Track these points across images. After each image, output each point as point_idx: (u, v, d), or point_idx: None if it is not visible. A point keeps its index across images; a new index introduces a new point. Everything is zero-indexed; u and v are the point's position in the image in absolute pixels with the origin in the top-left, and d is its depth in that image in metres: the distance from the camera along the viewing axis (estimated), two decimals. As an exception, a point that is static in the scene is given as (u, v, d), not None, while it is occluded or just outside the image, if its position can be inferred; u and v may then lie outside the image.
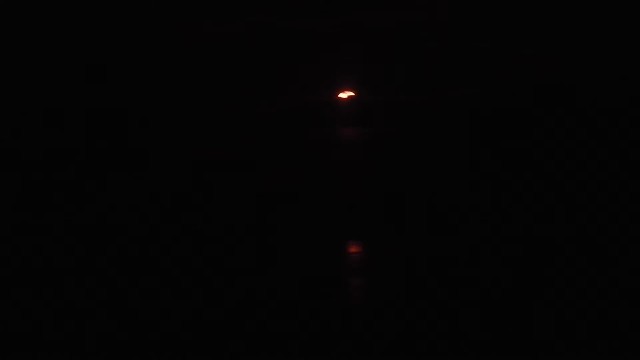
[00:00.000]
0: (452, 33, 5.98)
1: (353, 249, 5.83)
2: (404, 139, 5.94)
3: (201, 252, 5.72)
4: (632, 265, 5.53)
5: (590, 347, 5.22)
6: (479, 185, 5.82)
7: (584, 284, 5.48)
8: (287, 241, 5.79)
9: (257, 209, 5.86)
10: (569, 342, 5.25)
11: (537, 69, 5.92)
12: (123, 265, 5.66)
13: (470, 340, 5.28)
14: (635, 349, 5.16)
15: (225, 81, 5.99)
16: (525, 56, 5.93)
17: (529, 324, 5.36)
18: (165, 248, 5.72)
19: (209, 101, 5.98)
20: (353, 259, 5.82)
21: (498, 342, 5.28)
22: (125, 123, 5.94)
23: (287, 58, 6.01)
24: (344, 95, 6.00)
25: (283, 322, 5.43)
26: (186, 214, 5.83)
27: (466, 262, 5.65)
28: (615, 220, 5.65)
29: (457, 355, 5.22)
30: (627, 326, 5.28)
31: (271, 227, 5.83)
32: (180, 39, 5.99)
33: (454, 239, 5.74)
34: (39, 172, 5.81)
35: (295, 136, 5.96)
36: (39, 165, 5.82)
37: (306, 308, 5.48)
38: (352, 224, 5.86)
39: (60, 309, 5.46)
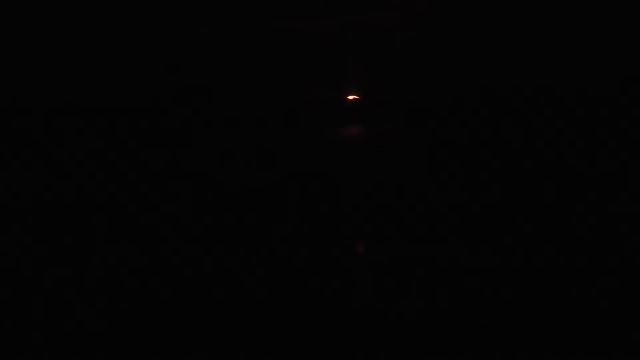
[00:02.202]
0: (452, 33, 5.98)
1: (358, 248, 5.84)
2: (405, 137, 5.95)
3: (206, 251, 5.73)
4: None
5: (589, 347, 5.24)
6: (478, 186, 5.83)
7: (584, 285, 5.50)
8: (290, 240, 5.80)
9: (261, 207, 5.87)
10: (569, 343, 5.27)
11: (538, 69, 5.92)
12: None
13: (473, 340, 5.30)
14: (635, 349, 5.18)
15: (227, 81, 6.00)
16: (526, 55, 5.94)
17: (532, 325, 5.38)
18: (167, 242, 5.74)
19: (211, 101, 5.98)
20: (358, 259, 5.82)
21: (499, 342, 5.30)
22: (129, 123, 5.94)
23: (287, 58, 6.01)
24: (346, 95, 6.00)
25: (287, 321, 5.44)
26: (190, 212, 5.83)
27: (467, 263, 5.66)
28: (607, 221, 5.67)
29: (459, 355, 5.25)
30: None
31: (274, 226, 5.83)
32: (182, 39, 5.99)
33: (455, 240, 5.75)
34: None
35: (297, 135, 5.96)
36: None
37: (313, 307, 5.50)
38: (356, 223, 5.86)
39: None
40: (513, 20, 5.93)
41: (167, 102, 5.95)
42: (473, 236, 5.71)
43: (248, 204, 5.85)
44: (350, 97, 5.99)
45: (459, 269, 5.62)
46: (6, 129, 5.84)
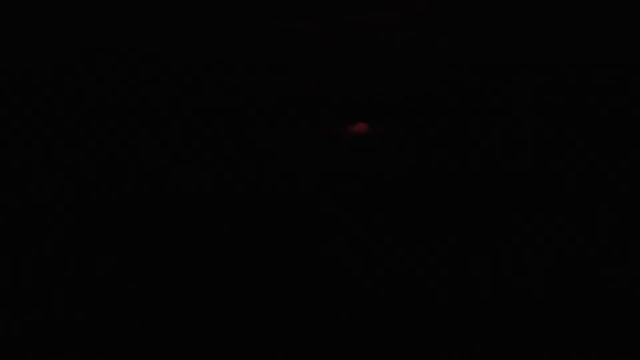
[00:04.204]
0: (454, 34, 6.00)
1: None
2: (406, 136, 5.95)
3: (208, 247, 5.73)
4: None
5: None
6: (480, 183, 5.84)
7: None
8: (292, 240, 5.79)
9: (263, 209, 5.86)
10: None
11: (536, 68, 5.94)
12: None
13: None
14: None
15: (231, 78, 6.00)
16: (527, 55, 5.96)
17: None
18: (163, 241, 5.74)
19: (213, 99, 5.99)
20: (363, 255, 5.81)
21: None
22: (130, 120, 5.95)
23: (287, 57, 6.02)
24: (347, 93, 6.01)
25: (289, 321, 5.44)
26: (186, 213, 5.83)
27: (469, 260, 5.66)
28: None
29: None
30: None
31: (275, 226, 5.83)
32: (184, 39, 6.00)
33: (457, 237, 5.75)
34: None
35: (299, 134, 5.96)
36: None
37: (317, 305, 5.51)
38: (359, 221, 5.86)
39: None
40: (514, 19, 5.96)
41: (166, 100, 5.96)
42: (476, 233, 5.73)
43: (245, 204, 5.85)
44: (353, 95, 6.01)
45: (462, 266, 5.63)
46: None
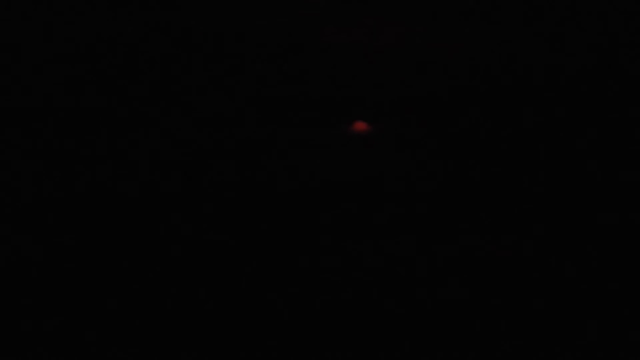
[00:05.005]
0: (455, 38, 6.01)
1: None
2: (406, 136, 5.96)
3: (209, 247, 5.73)
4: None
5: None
6: (478, 183, 5.84)
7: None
8: (295, 237, 5.79)
9: (263, 208, 5.86)
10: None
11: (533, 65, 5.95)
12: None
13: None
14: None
15: (232, 78, 6.01)
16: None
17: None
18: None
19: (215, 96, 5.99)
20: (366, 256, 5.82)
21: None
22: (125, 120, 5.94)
23: (287, 57, 6.02)
24: (350, 94, 6.02)
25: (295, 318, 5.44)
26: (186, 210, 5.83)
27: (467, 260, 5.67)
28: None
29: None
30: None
31: (276, 226, 5.83)
32: (181, 40, 6.00)
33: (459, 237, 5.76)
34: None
35: (299, 133, 5.96)
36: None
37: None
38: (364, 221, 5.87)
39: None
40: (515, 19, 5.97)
41: (166, 100, 5.97)
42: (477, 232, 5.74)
43: (245, 204, 5.85)
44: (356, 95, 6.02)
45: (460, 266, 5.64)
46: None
